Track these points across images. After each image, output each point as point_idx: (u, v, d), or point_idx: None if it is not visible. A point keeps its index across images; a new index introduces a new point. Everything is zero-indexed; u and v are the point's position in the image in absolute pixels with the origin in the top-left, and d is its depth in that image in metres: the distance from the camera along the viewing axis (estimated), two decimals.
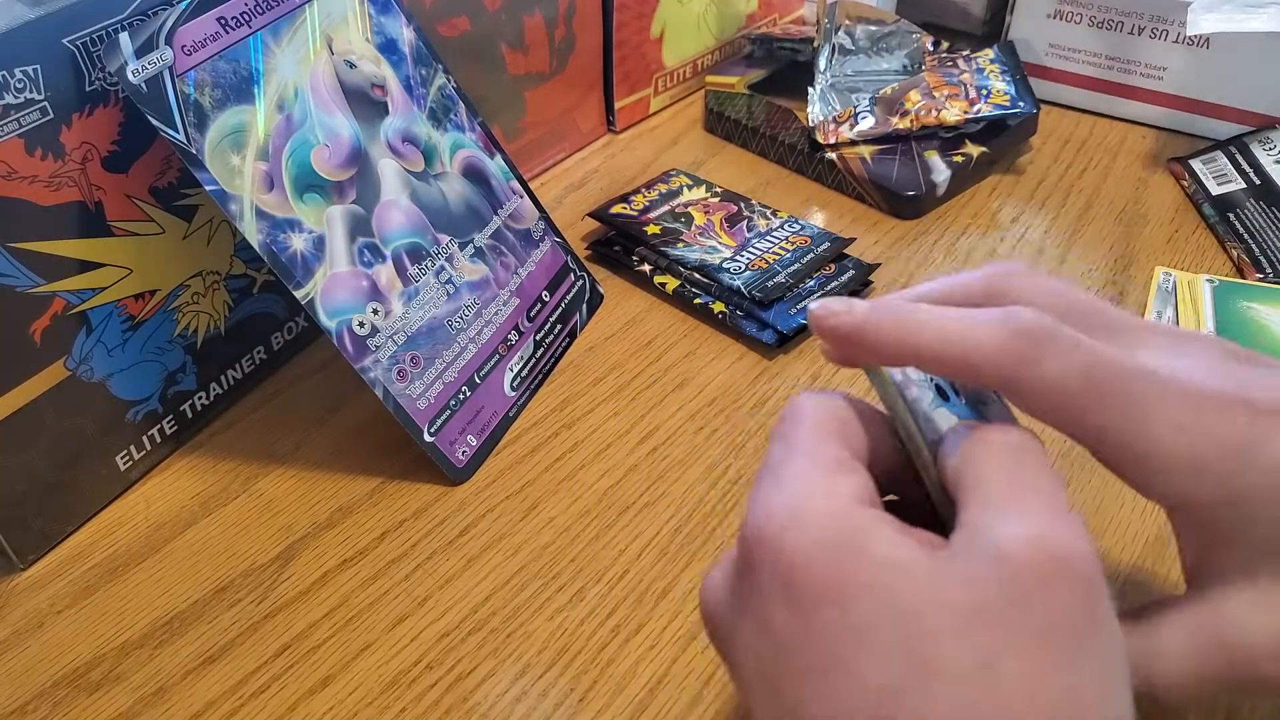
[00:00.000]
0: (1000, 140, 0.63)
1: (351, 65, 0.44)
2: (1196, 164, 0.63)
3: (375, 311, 0.42)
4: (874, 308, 0.26)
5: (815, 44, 0.67)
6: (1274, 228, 0.56)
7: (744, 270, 0.52)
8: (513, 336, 0.47)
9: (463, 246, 0.46)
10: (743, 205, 0.58)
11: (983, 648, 0.21)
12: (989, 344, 0.25)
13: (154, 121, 0.37)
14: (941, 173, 0.61)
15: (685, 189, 0.60)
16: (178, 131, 0.37)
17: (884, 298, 0.28)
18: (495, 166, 0.50)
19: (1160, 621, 0.27)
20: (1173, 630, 0.26)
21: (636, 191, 0.60)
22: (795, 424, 0.26)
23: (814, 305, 0.27)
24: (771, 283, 0.51)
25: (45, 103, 0.36)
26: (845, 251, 0.55)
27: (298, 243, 0.40)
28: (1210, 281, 0.49)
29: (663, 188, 0.60)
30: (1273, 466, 0.24)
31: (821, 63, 0.67)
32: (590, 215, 0.58)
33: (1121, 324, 0.27)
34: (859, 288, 0.53)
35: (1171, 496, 0.25)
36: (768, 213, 0.58)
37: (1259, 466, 0.24)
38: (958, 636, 0.21)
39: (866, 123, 0.63)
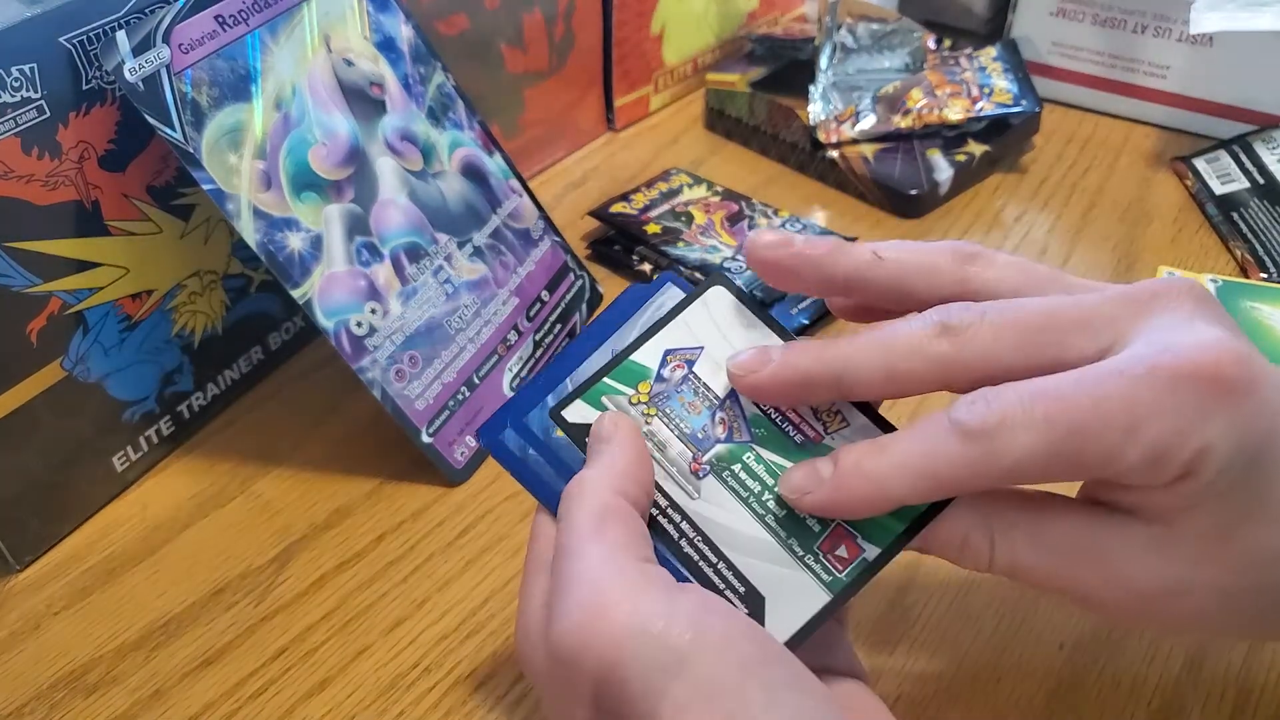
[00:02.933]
0: (1003, 139, 0.63)
1: (349, 63, 0.44)
2: (1200, 163, 0.62)
3: (373, 311, 0.41)
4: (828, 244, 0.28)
5: (817, 42, 0.67)
6: (1278, 227, 0.56)
7: (745, 270, 0.52)
8: (512, 336, 0.47)
9: (461, 246, 0.46)
10: (744, 204, 0.58)
11: None
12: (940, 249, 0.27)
13: (151, 120, 0.37)
14: (944, 171, 0.60)
15: (686, 188, 0.60)
16: (175, 130, 0.37)
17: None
18: (494, 165, 0.49)
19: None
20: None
21: (636, 190, 0.59)
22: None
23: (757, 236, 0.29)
24: None
25: (42, 101, 0.36)
26: None
27: (295, 242, 0.40)
28: (1214, 281, 0.49)
29: (663, 186, 0.60)
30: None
31: (823, 61, 0.66)
32: (590, 214, 0.57)
33: (1079, 287, 0.27)
34: None
35: None
36: (769, 212, 0.57)
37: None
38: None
39: (868, 121, 0.63)
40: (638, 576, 0.23)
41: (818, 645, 0.27)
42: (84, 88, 0.37)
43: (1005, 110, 0.63)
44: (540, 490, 0.28)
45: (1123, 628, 0.28)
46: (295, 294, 0.39)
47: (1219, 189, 0.60)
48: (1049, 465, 0.24)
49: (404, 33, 0.46)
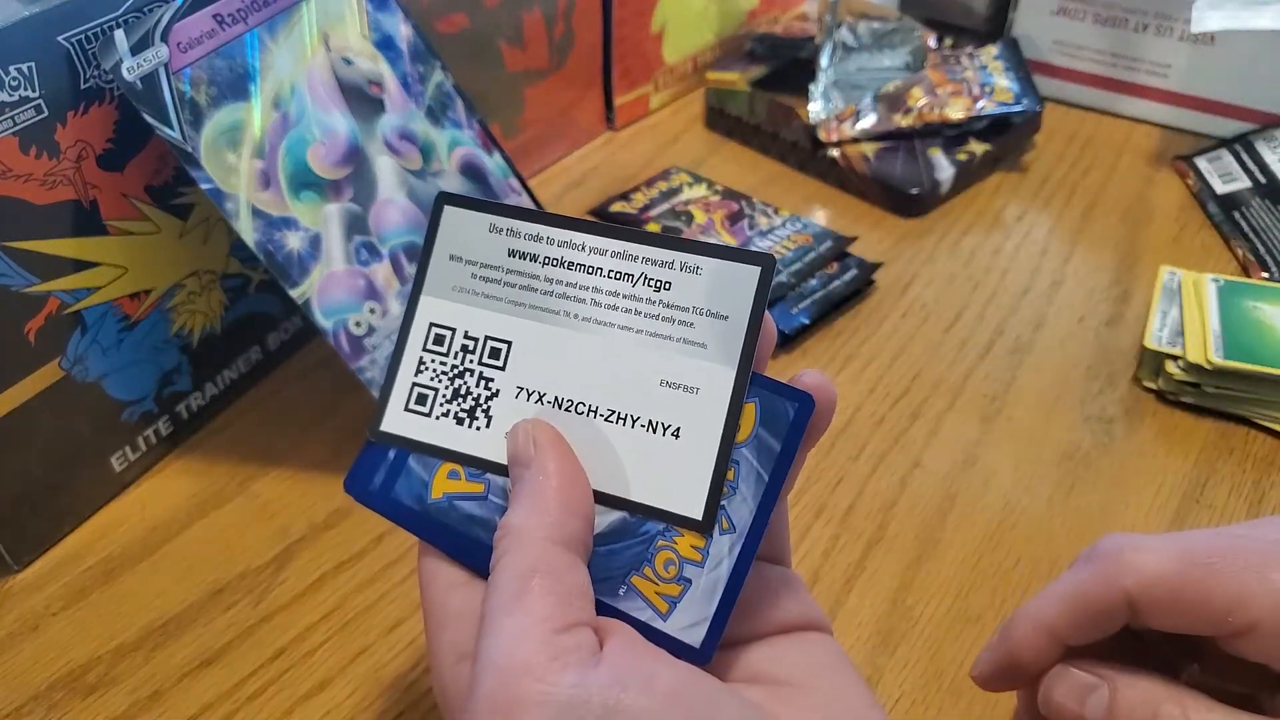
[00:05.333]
0: (1004, 138, 0.63)
1: (349, 62, 0.43)
2: (1202, 162, 0.62)
3: (372, 311, 0.41)
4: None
5: (817, 40, 0.67)
6: None
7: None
8: None
9: None
10: (744, 203, 0.58)
11: None
12: None
13: (149, 119, 0.37)
14: (945, 170, 0.60)
15: (686, 187, 0.60)
16: (173, 129, 0.37)
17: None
18: (493, 164, 0.49)
19: None
20: None
21: (637, 189, 0.59)
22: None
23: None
24: (773, 282, 0.51)
25: (40, 100, 0.36)
26: (848, 250, 0.55)
27: (294, 241, 0.39)
28: (1215, 281, 0.49)
29: (663, 185, 0.60)
30: None
31: (824, 59, 0.66)
32: (590, 213, 0.57)
33: None
34: (861, 286, 0.53)
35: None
36: (769, 211, 0.57)
37: None
38: None
39: (869, 120, 0.63)
40: (552, 654, 0.23)
41: (775, 602, 0.26)
42: (82, 87, 0.37)
43: (1006, 109, 0.63)
44: (447, 544, 0.26)
45: None
46: (294, 294, 0.39)
47: (1220, 188, 0.60)
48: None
49: (403, 31, 0.46)
